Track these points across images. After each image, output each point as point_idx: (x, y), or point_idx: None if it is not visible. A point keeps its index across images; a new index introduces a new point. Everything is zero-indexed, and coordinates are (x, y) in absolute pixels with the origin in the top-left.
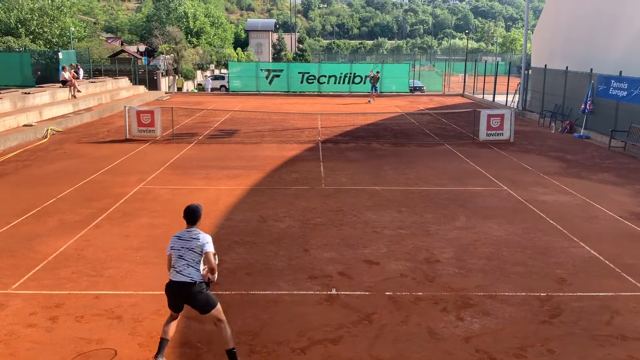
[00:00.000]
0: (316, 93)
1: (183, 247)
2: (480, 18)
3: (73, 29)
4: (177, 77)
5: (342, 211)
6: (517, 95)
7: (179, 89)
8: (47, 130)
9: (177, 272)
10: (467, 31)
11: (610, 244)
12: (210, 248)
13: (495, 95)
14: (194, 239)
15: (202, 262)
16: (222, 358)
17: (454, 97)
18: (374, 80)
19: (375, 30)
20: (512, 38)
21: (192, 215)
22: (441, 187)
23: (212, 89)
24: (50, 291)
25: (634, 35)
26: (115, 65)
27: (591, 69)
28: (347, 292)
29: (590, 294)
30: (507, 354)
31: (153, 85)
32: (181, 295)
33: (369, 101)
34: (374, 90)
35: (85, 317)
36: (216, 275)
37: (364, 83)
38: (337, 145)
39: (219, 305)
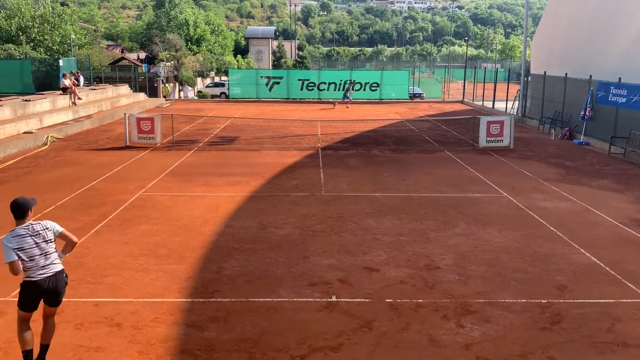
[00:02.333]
0: (316, 100)
1: (38, 243)
2: (479, 25)
3: (74, 37)
4: (164, 85)
5: (342, 218)
6: (516, 102)
7: (164, 97)
8: (47, 137)
9: (46, 268)
10: (466, 38)
11: (610, 250)
12: (60, 227)
13: (495, 102)
14: (45, 228)
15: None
16: None
17: (453, 104)
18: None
19: (375, 38)
20: (511, 45)
21: (18, 210)
22: (441, 193)
23: (212, 96)
24: None
25: (632, 41)
26: (116, 73)
27: (590, 76)
28: (347, 299)
29: (591, 300)
30: None
31: (153, 93)
32: (52, 287)
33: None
34: (344, 98)
35: (85, 324)
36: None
37: (364, 90)
38: (337, 152)
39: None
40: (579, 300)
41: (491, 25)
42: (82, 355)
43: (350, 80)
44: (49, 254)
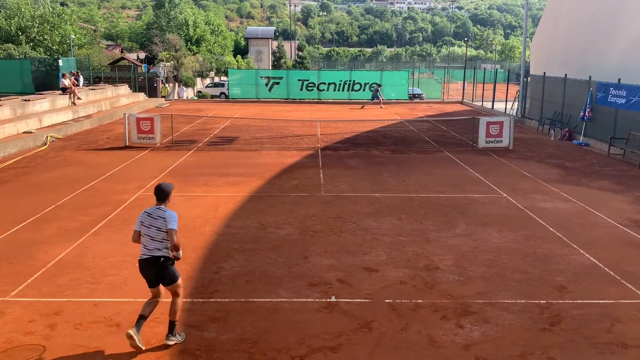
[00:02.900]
0: (316, 100)
1: (152, 225)
2: (479, 26)
3: (73, 37)
4: (163, 85)
5: (342, 218)
6: (516, 103)
7: (164, 97)
8: (47, 137)
9: (147, 249)
10: (466, 39)
11: (610, 251)
12: (173, 225)
13: (495, 103)
14: (161, 217)
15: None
16: None
17: (453, 105)
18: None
19: (375, 38)
20: (510, 45)
21: (160, 193)
22: (441, 194)
23: (212, 96)
24: (49, 298)
25: (632, 42)
26: (115, 73)
27: (590, 77)
28: (346, 300)
29: (591, 301)
30: None
31: (153, 93)
32: (151, 270)
33: (381, 106)
34: (374, 99)
35: (84, 324)
36: (180, 252)
37: (364, 90)
38: (337, 152)
39: (180, 281)
40: (578, 301)
41: (491, 26)
42: (81, 355)
43: (376, 83)
44: (154, 240)
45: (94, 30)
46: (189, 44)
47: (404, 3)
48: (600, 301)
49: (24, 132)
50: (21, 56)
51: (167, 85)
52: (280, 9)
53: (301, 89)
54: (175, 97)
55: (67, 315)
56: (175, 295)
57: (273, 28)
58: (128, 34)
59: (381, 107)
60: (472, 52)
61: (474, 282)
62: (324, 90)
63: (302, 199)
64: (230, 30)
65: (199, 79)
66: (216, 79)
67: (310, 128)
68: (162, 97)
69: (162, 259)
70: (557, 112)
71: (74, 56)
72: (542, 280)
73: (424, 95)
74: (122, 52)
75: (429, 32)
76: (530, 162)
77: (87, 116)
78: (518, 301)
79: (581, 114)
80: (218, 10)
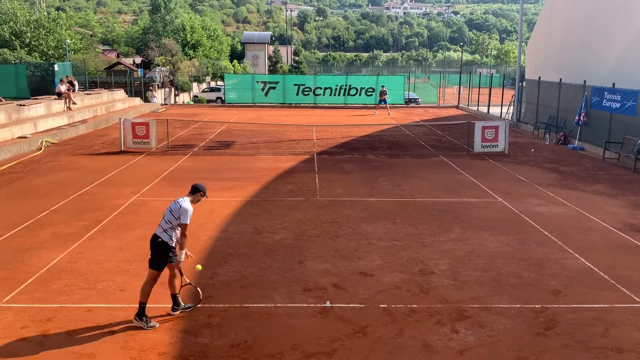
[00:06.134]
0: (312, 105)
1: (169, 206)
2: (474, 30)
3: (69, 42)
4: (150, 91)
5: (337, 223)
6: (511, 107)
7: (148, 101)
8: (42, 142)
9: (159, 228)
10: (461, 43)
11: (604, 255)
12: (184, 219)
13: (490, 107)
14: (178, 203)
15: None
16: None
17: (448, 109)
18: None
19: (371, 43)
20: (506, 50)
21: (191, 187)
22: (436, 198)
23: (208, 101)
24: (42, 304)
25: (626, 47)
26: (111, 77)
27: (584, 81)
28: (341, 305)
29: (585, 305)
30: None
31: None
32: (150, 245)
33: (374, 112)
34: (381, 103)
35: (77, 330)
36: (182, 255)
37: (360, 95)
38: (333, 156)
39: (154, 273)
40: (573, 305)
41: (486, 31)
42: None
43: (382, 86)
44: (163, 219)
45: (91, 35)
46: (186, 49)
47: (399, 8)
48: (595, 305)
49: (19, 137)
50: (16, 61)
51: (152, 90)
52: (276, 14)
53: (297, 94)
54: (177, 101)
55: (60, 321)
56: (148, 278)
57: (269, 33)
58: (124, 38)
59: (388, 114)
60: (467, 56)
61: (468, 287)
62: (320, 94)
63: (298, 204)
64: (227, 35)
65: (195, 84)
66: (212, 84)
67: (306, 132)
68: (147, 101)
69: (159, 239)
70: (552, 117)
71: (69, 61)
72: (536, 284)
73: (419, 99)
74: (118, 56)
75: (425, 37)
76: (525, 166)
77: (83, 121)
78: (513, 305)
79: (576, 118)
80: (214, 15)
